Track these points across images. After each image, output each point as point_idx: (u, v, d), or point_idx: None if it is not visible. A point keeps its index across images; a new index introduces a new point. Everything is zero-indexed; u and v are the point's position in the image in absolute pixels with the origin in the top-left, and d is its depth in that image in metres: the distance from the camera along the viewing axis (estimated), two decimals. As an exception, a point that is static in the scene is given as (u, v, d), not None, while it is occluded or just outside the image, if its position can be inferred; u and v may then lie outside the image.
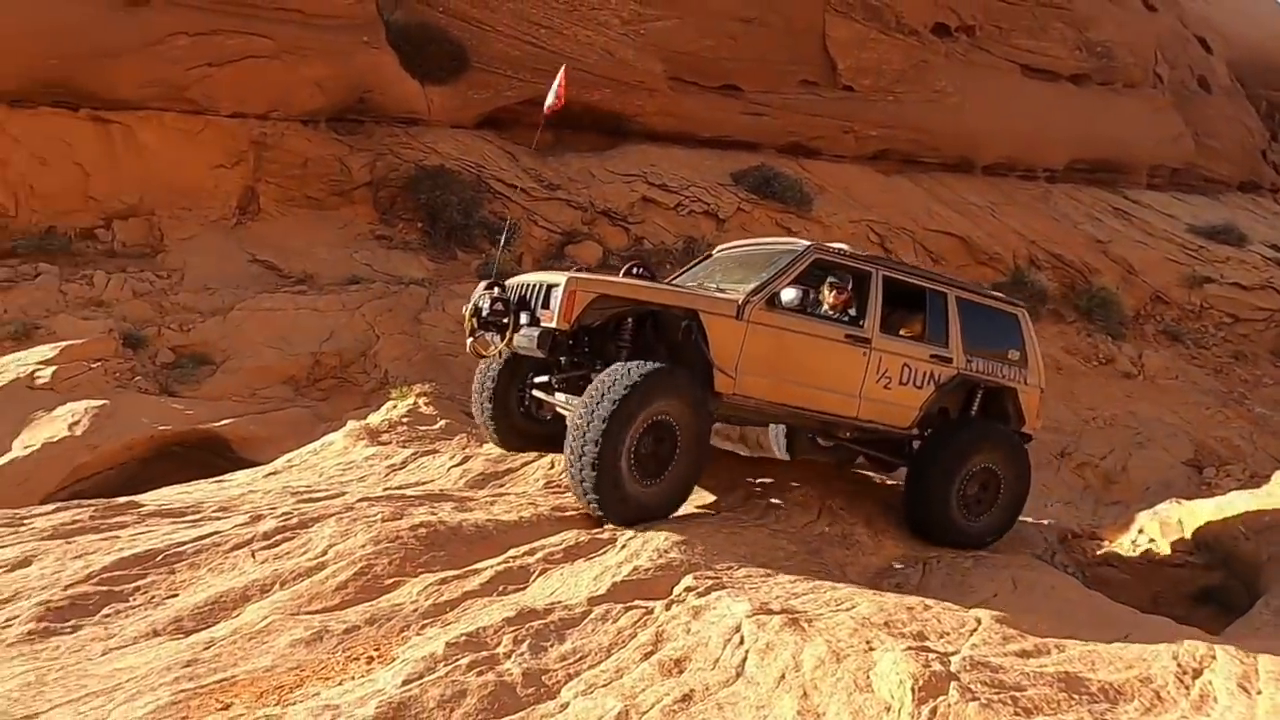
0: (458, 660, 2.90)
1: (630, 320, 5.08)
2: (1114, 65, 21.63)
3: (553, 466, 5.91)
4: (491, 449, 6.24)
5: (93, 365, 8.26)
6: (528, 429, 5.99)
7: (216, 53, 11.95)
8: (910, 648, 3.31)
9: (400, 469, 5.75)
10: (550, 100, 6.23)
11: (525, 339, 4.91)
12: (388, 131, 13.63)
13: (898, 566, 5.34)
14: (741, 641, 3.25)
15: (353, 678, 2.85)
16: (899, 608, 3.91)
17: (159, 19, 11.67)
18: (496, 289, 5.28)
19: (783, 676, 3.04)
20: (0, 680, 2.66)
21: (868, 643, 3.40)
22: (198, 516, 4.11)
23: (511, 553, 4.11)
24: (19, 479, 6.47)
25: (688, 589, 3.81)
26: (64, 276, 10.08)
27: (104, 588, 3.30)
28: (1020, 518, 6.32)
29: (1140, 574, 6.41)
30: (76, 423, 7.04)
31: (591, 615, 3.40)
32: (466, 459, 5.90)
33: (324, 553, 3.79)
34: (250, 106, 12.36)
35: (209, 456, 7.72)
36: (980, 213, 18.72)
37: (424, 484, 5.47)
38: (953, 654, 3.40)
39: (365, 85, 13.21)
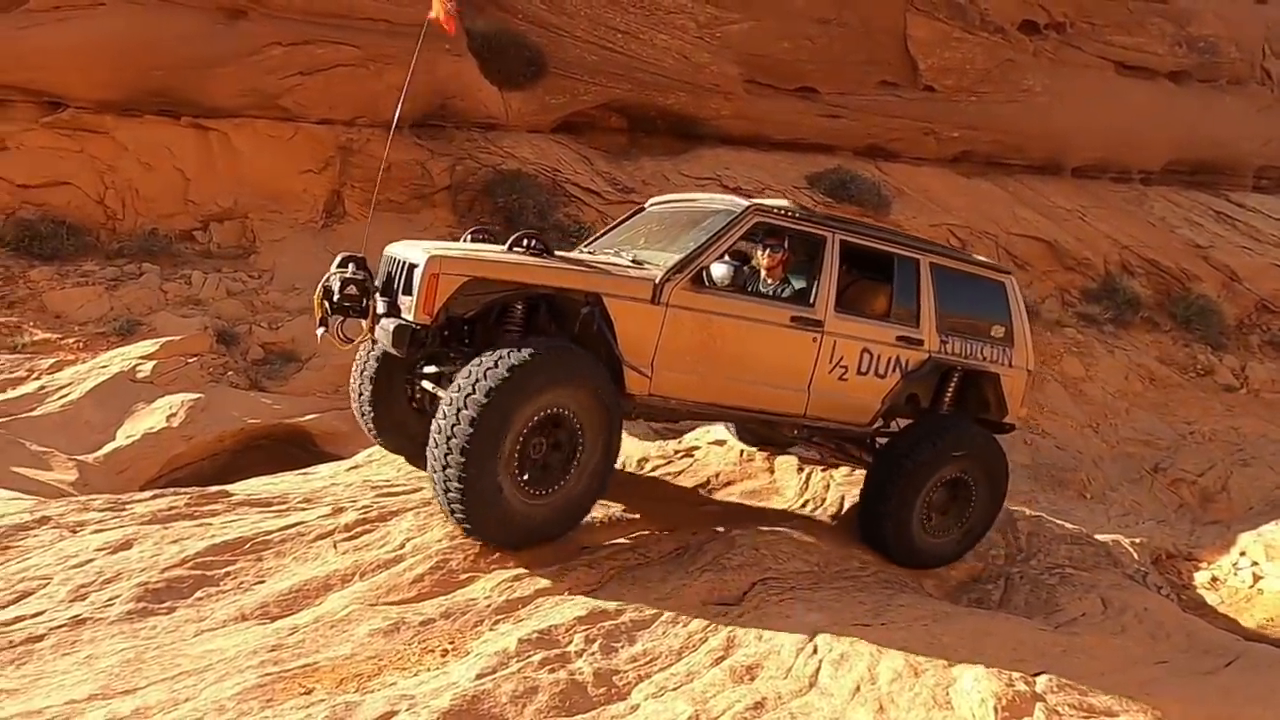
0: (530, 657, 2.93)
1: (520, 306, 4.09)
2: (1217, 61, 20.49)
3: (624, 468, 5.92)
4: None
5: (189, 360, 8.68)
6: (420, 430, 4.41)
7: (308, 62, 12.42)
8: (993, 665, 3.19)
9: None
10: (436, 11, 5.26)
11: (382, 334, 3.98)
12: (467, 136, 13.93)
13: (977, 581, 5.16)
14: (815, 651, 3.19)
15: (428, 669, 2.90)
16: (981, 623, 3.77)
17: (256, 30, 12.20)
18: (351, 266, 4.30)
19: (857, 689, 2.96)
20: (103, 656, 2.80)
21: (947, 658, 3.29)
22: (283, 507, 4.25)
23: (584, 553, 4.13)
24: (121, 466, 6.84)
25: (760, 595, 3.76)
26: (164, 276, 10.62)
27: (197, 572, 3.44)
28: (1109, 536, 6.03)
29: (1242, 598, 6.04)
30: (174, 414, 7.41)
31: (662, 618, 3.38)
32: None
33: (401, 546, 3.88)
34: (338, 113, 12.81)
35: (294, 450, 8.03)
36: (1068, 216, 18.00)
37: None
38: (1039, 673, 3.26)
39: (447, 92, 13.53)
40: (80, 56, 11.26)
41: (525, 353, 3.62)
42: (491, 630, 3.24)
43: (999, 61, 18.04)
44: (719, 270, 4.16)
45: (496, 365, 3.58)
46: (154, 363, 8.32)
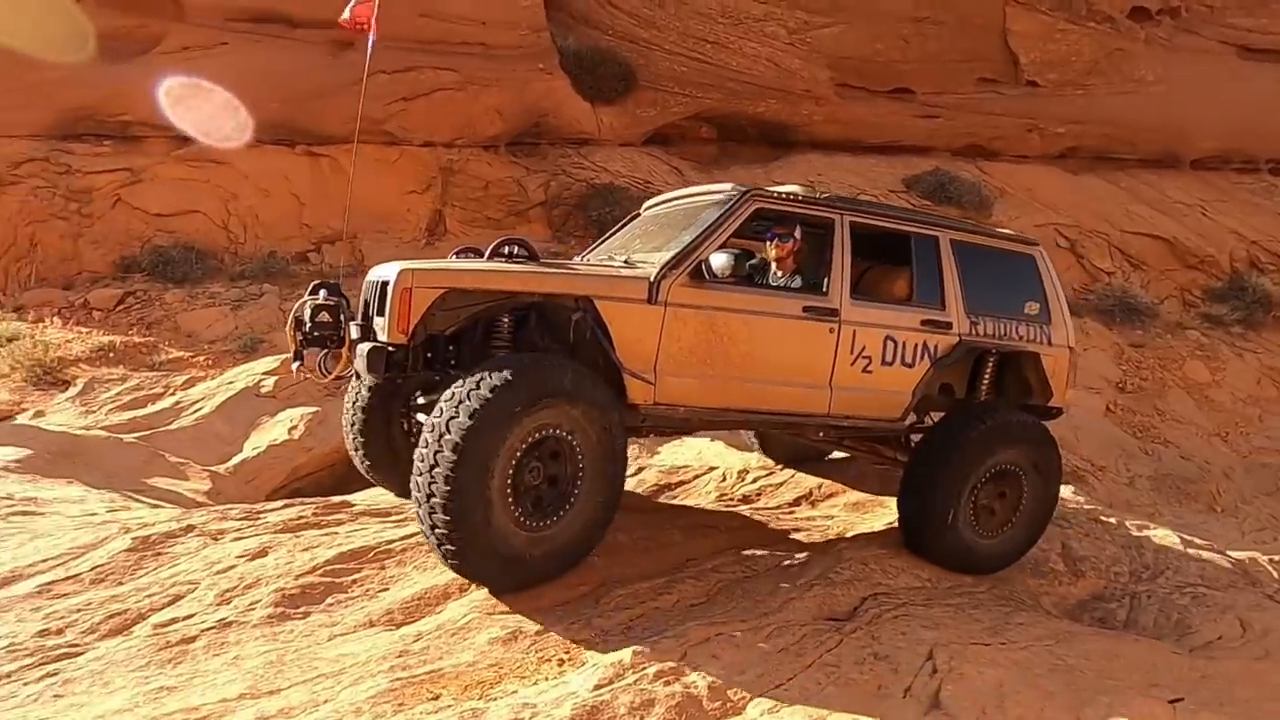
0: (645, 669, 2.97)
1: (507, 318, 3.80)
2: (1354, 39, 18.95)
3: (724, 479, 5.93)
4: (665, 459, 6.34)
5: (306, 375, 9.14)
6: None
7: (410, 87, 12.97)
8: (1125, 690, 3.05)
9: (578, 478, 5.95)
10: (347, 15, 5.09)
11: (358, 360, 3.64)
12: (560, 152, 14.25)
13: (1099, 600, 4.92)
14: (934, 670, 3.11)
15: (546, 678, 2.98)
16: (1108, 644, 3.60)
17: (362, 60, 12.80)
18: (323, 292, 4.06)
19: (983, 711, 2.88)
20: (249, 657, 3.00)
21: (1074, 681, 3.16)
22: (401, 517, 4.44)
23: (690, 565, 4.15)
24: (249, 476, 7.28)
25: (872, 612, 3.69)
26: (282, 296, 11.25)
27: (327, 579, 3.64)
28: (1244, 553, 5.63)
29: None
30: (294, 427, 7.82)
31: (775, 632, 3.37)
32: (640, 469, 6.02)
33: (514, 556, 4.00)
34: (439, 135, 13.32)
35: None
36: (1188, 211, 16.97)
37: (601, 493, 5.63)
38: (1175, 700, 3.09)
39: (541, 110, 13.88)
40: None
41: (507, 371, 3.30)
42: (606, 641, 3.30)
43: (1107, 52, 17.21)
44: (719, 260, 3.79)
45: (478, 387, 3.27)
46: (275, 378, 8.81)
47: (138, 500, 5.67)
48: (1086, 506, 6.23)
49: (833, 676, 3.09)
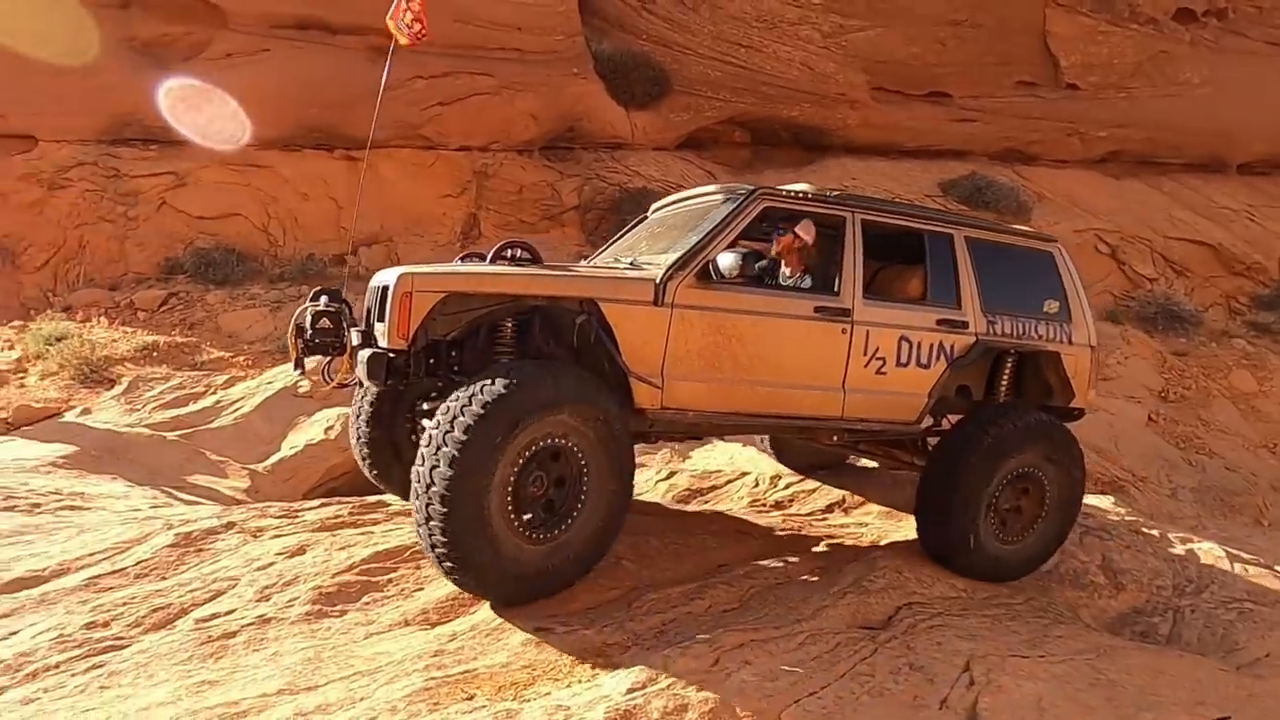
0: (678, 674, 2.96)
1: (510, 323, 3.74)
2: None
3: (757, 485, 5.90)
4: (696, 464, 6.33)
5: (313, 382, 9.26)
6: None
7: (447, 92, 13.12)
8: (1169, 707, 2.98)
9: (610, 481, 5.96)
10: (401, 27, 5.00)
11: (359, 367, 3.62)
12: (594, 157, 14.31)
13: (1140, 613, 4.81)
14: (971, 682, 3.07)
15: (580, 681, 2.99)
16: (1150, 660, 3.53)
17: (400, 66, 12.90)
18: (324, 298, 4.02)
19: (1021, 725, 2.84)
20: (287, 653, 3.05)
21: (1115, 697, 3.10)
22: (436, 518, 4.48)
23: (722, 571, 4.14)
24: (287, 475, 7.39)
25: (907, 621, 3.65)
26: (320, 298, 11.43)
27: (364, 578, 3.68)
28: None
29: None
30: (330, 427, 7.93)
31: (808, 639, 3.35)
32: (672, 474, 6.02)
33: (547, 558, 4.02)
34: (474, 140, 13.46)
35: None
36: (1234, 217, 16.58)
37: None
38: (1221, 719, 3.02)
39: (575, 114, 13.96)
40: (248, 98, 12.33)
41: (505, 380, 3.21)
42: (638, 645, 3.30)
43: (1151, 54, 16.90)
44: (726, 260, 3.69)
45: (474, 398, 3.19)
46: (312, 380, 8.94)
47: (179, 497, 5.79)
48: (1128, 518, 6.10)
49: (867, 686, 3.06)
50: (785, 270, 4.42)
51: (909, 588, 4.12)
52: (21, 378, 9.18)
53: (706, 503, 5.60)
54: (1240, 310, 15.45)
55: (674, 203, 4.93)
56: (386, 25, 5.30)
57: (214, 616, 3.29)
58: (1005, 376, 4.70)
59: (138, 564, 3.68)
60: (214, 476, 6.86)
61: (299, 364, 4.07)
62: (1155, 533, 5.63)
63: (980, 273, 4.50)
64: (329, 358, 4.08)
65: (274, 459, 7.56)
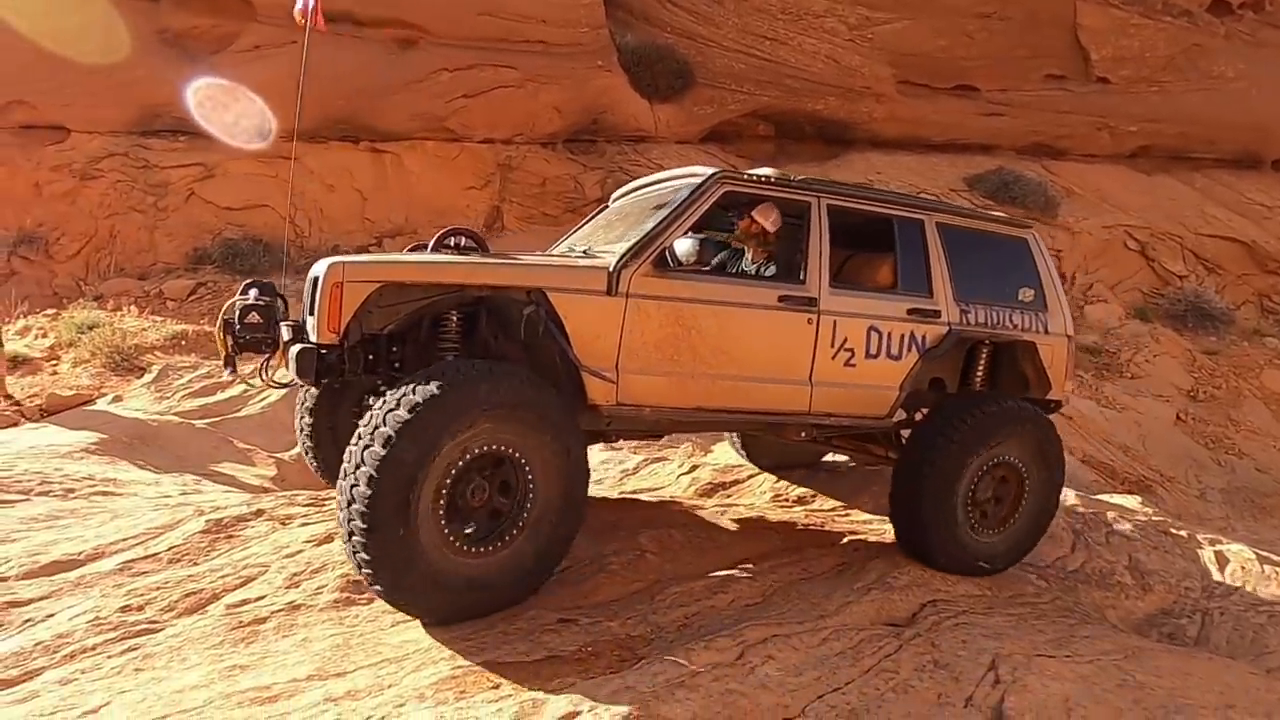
0: (701, 666, 2.97)
1: (455, 316, 3.51)
2: None
3: (779, 480, 5.89)
4: (718, 458, 6.32)
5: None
6: None
7: (471, 85, 13.18)
8: (1199, 710, 2.95)
9: (633, 474, 5.99)
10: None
11: (291, 363, 3.37)
12: (617, 150, 14.31)
13: (1168, 615, 4.76)
14: (997, 680, 3.05)
15: (602, 673, 3.01)
16: (1178, 662, 3.49)
17: (425, 58, 13.07)
18: (254, 291, 3.80)
19: (1048, 725, 2.82)
20: (316, 640, 3.09)
21: (1144, 699, 3.07)
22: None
23: (745, 565, 4.14)
24: (312, 464, 7.49)
25: (932, 619, 3.64)
26: (345, 288, 11.53)
27: (390, 566, 3.71)
28: None
29: None
30: (355, 417, 8.03)
31: (833, 636, 3.35)
32: (694, 468, 6.02)
33: (571, 551, 4.04)
34: (498, 132, 13.50)
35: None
36: (1269, 213, 16.30)
37: (655, 490, 5.66)
38: (1253, 724, 2.99)
39: (598, 107, 13.96)
40: (275, 91, 12.43)
41: (432, 385, 2.96)
42: (659, 637, 3.32)
43: (1184, 47, 16.62)
44: (683, 246, 3.51)
45: (396, 407, 2.95)
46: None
47: (208, 484, 5.88)
48: (1155, 518, 6.04)
49: (891, 683, 3.05)
50: (748, 258, 4.27)
51: (933, 585, 4.10)
52: (54, 365, 9.35)
53: (729, 497, 5.60)
54: (1273, 309, 15.18)
55: (635, 190, 4.76)
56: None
57: (244, 602, 3.34)
58: (980, 368, 4.57)
59: (170, 549, 3.74)
60: (241, 464, 6.96)
61: (229, 362, 3.84)
62: (1183, 534, 5.56)
63: (953, 260, 4.35)
64: (266, 355, 3.83)
65: (300, 448, 7.64)
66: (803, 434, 4.35)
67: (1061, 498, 5.46)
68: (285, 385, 3.92)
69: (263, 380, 3.95)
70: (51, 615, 3.18)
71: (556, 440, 3.23)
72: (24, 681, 2.76)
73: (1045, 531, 4.62)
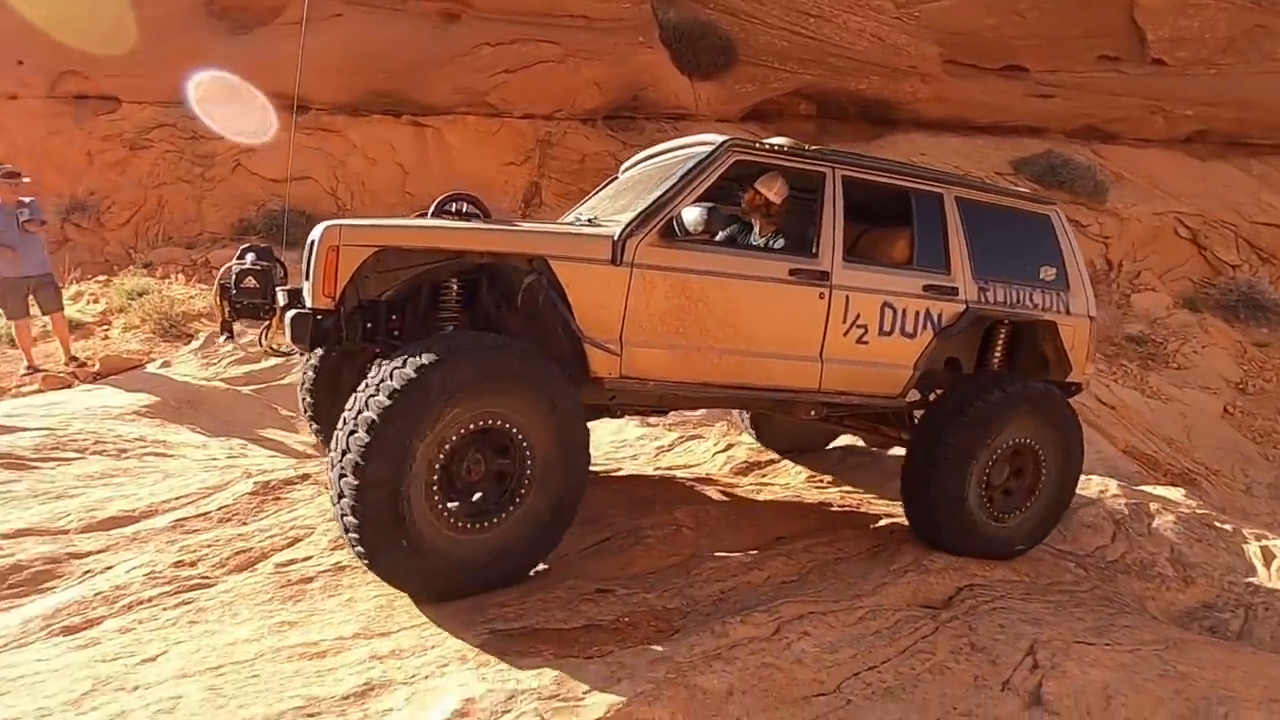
0: (737, 640, 3.00)
1: (455, 284, 3.43)
2: None
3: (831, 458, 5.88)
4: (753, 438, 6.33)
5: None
6: None
7: (513, 60, 13.17)
8: (1242, 701, 2.91)
9: (668, 450, 6.01)
10: None
11: (286, 329, 3.32)
12: (657, 127, 14.24)
13: (1210, 608, 4.68)
14: (1035, 665, 3.04)
15: (640, 643, 3.05)
16: (1221, 655, 3.44)
17: (468, 33, 13.08)
18: (251, 256, 3.73)
19: (1088, 712, 2.80)
20: (361, 600, 3.17)
21: (1185, 689, 3.03)
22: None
23: (780, 544, 4.16)
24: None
25: (969, 602, 3.63)
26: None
27: (431, 533, 3.78)
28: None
29: None
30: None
31: (869, 616, 3.35)
32: (730, 446, 6.03)
33: (608, 524, 4.08)
34: (538, 108, 13.50)
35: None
36: (1330, 203, 15.73)
37: (691, 467, 5.68)
38: (1297, 718, 2.94)
39: (639, 83, 13.89)
40: (320, 64, 12.56)
41: (424, 358, 2.88)
42: (696, 610, 3.35)
43: (1246, 28, 16.03)
44: (691, 215, 3.37)
45: (387, 380, 2.87)
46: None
47: (254, 449, 6.02)
48: (1199, 511, 5.92)
49: (927, 663, 3.05)
50: (759, 231, 4.18)
51: (970, 569, 4.08)
52: (106, 330, 9.62)
53: (764, 476, 5.60)
54: (1330, 301, 14.70)
55: (645, 158, 4.64)
56: None
57: (292, 562, 3.43)
58: (998, 348, 4.43)
59: (220, 509, 3.85)
60: (285, 431, 7.10)
61: (225, 328, 3.79)
62: (1228, 527, 5.45)
63: (972, 236, 4.19)
64: (265, 321, 3.77)
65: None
66: (812, 413, 4.24)
67: (1102, 488, 5.41)
68: (286, 353, 3.73)
69: (263, 347, 3.86)
70: (110, 568, 3.30)
71: (557, 413, 3.12)
72: (86, 629, 2.88)
73: (1060, 518, 4.51)
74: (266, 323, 3.75)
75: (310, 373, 4.37)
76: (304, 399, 4.45)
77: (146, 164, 12.58)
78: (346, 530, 2.95)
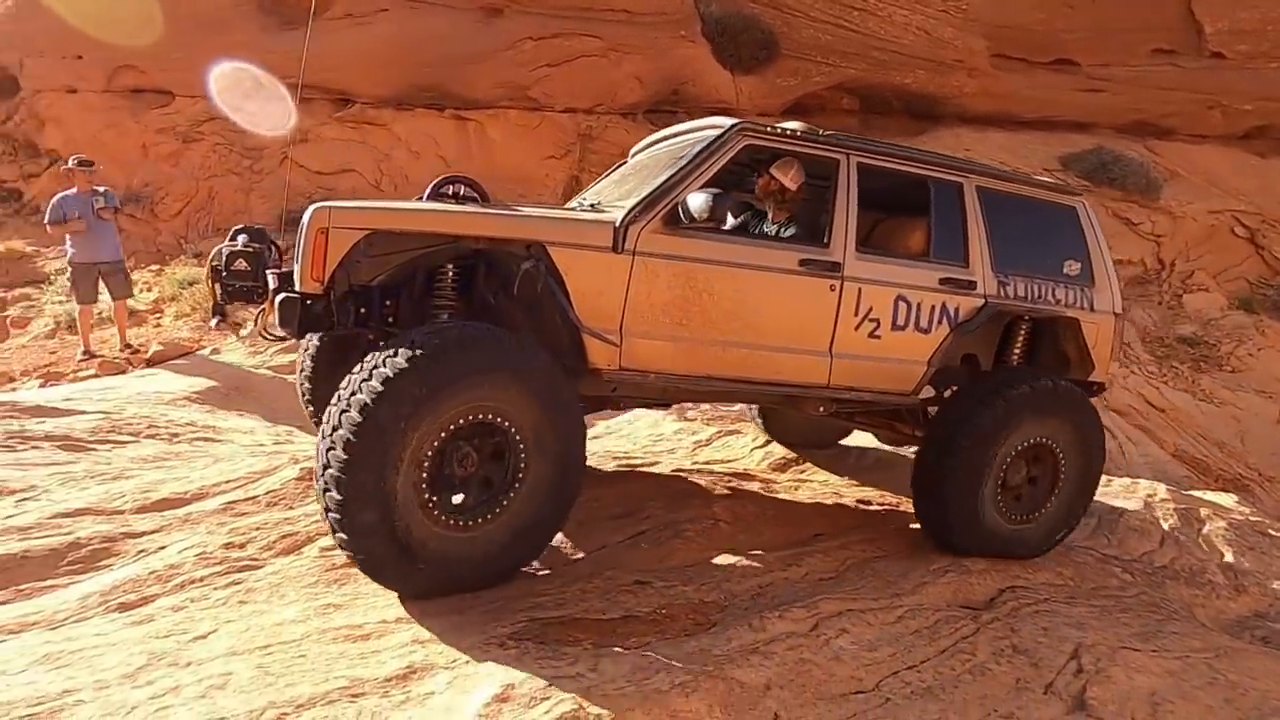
0: (775, 635, 3.00)
1: (450, 270, 3.31)
2: None
3: (852, 456, 5.83)
4: (792, 435, 6.29)
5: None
6: None
7: (555, 54, 13.21)
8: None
9: (705, 445, 6.01)
10: None
11: (275, 314, 3.21)
12: (698, 121, 14.19)
13: (1262, 617, 4.56)
14: (1080, 669, 2.99)
15: (678, 635, 3.06)
16: (1274, 665, 3.35)
17: (511, 26, 13.15)
18: (242, 237, 3.63)
19: (1133, 718, 2.75)
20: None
21: (1235, 699, 2.96)
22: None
23: (817, 540, 4.14)
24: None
25: (1011, 604, 3.58)
26: (427, 253, 11.80)
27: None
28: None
29: None
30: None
31: (909, 615, 3.33)
32: (768, 441, 6.01)
33: (646, 516, 4.10)
34: (579, 102, 13.52)
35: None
36: (1397, 202, 15.12)
37: (728, 462, 5.67)
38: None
39: (680, 78, 13.83)
40: (365, 58, 12.73)
41: (412, 352, 2.78)
42: (731, 604, 3.35)
43: (1312, 20, 15.44)
44: (696, 202, 3.24)
45: (375, 372, 2.77)
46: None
47: (300, 435, 6.15)
48: (1252, 518, 5.76)
49: (968, 664, 3.02)
50: (771, 220, 4.07)
51: (1012, 571, 4.03)
52: (158, 318, 9.88)
53: (802, 473, 5.57)
54: (1394, 305, 14.15)
55: (654, 142, 4.49)
56: None
57: (333, 548, 3.50)
58: (1017, 345, 4.29)
59: (268, 493, 3.95)
60: (328, 419, 7.25)
61: (217, 310, 3.70)
62: (1283, 535, 5.30)
63: (992, 227, 4.04)
64: (260, 305, 3.68)
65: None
66: (821, 409, 4.12)
67: (1150, 492, 5.28)
68: (281, 338, 3.72)
69: (258, 332, 3.81)
70: (163, 548, 3.40)
71: (551, 406, 3.03)
72: (140, 606, 2.97)
73: (1080, 519, 4.37)
74: (261, 306, 3.66)
75: (309, 361, 4.30)
76: (302, 385, 4.39)
77: (198, 156, 12.88)
78: (338, 542, 2.87)
